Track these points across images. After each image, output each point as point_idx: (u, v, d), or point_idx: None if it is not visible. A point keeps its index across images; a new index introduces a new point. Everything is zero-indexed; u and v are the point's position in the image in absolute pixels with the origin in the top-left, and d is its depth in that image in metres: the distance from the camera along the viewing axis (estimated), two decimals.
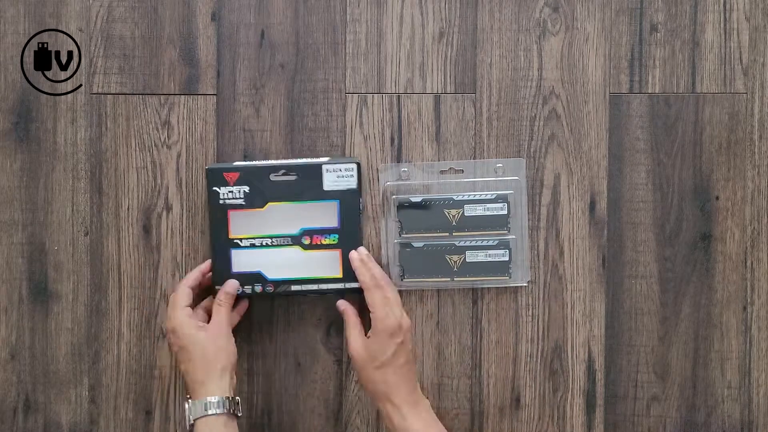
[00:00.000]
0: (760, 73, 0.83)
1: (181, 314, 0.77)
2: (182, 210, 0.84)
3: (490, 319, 0.84)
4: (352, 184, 0.80)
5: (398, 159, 0.84)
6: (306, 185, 0.80)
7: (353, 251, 0.80)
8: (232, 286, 0.80)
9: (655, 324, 0.83)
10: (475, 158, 0.84)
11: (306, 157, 0.84)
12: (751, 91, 0.83)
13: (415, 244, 0.82)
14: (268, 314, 0.84)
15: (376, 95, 0.84)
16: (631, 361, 0.83)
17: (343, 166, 0.80)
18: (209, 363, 0.75)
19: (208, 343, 0.76)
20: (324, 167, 0.80)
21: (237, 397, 0.76)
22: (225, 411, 0.74)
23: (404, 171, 0.82)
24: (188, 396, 0.76)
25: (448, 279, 0.82)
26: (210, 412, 0.73)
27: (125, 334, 0.85)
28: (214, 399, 0.74)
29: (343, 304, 0.80)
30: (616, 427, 0.83)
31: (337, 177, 0.80)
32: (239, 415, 0.76)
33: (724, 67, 0.83)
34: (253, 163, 0.82)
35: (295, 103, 0.84)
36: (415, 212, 0.82)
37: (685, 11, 0.83)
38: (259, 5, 0.84)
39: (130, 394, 0.85)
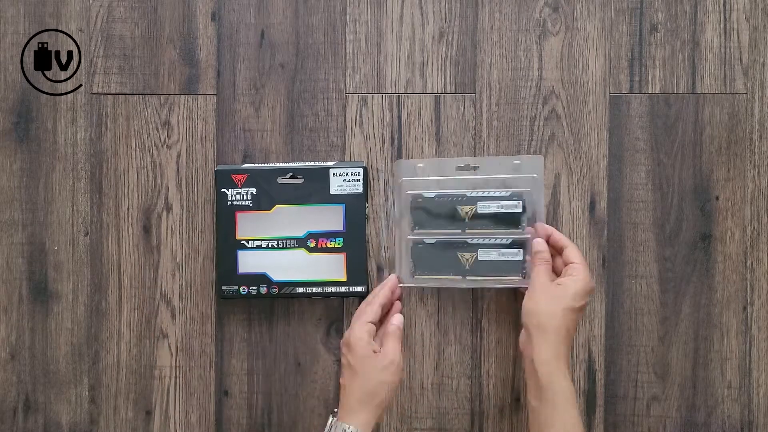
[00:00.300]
0: (760, 73, 0.83)
1: (361, 330, 0.75)
2: (182, 210, 0.85)
3: (490, 319, 0.84)
4: (359, 188, 0.81)
5: (398, 159, 0.84)
6: (313, 188, 0.81)
7: (539, 224, 0.78)
8: (401, 320, 0.78)
9: (655, 324, 0.83)
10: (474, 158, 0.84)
11: (306, 157, 0.84)
12: (751, 91, 0.83)
13: (428, 241, 0.81)
14: (268, 314, 0.84)
15: (376, 95, 0.84)
16: (631, 361, 0.83)
17: (349, 170, 0.81)
18: (367, 394, 0.72)
19: (375, 373, 0.73)
20: (331, 171, 0.81)
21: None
22: None
23: (420, 167, 0.81)
24: (336, 410, 0.74)
25: (460, 277, 0.80)
26: None
27: (125, 334, 0.85)
28: (352, 429, 0.71)
29: (542, 245, 0.77)
30: (616, 427, 0.83)
31: (344, 181, 0.81)
32: None
33: (724, 67, 0.83)
34: (261, 165, 0.82)
35: (295, 103, 0.85)
36: (428, 208, 0.80)
37: (685, 11, 0.83)
38: (259, 5, 0.84)
39: (130, 394, 0.85)
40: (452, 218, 0.80)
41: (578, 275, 0.74)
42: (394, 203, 0.82)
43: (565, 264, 0.76)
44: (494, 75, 0.84)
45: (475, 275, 0.80)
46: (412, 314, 0.84)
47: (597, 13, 0.84)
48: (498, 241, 0.79)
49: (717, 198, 0.83)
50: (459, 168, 0.81)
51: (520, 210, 0.78)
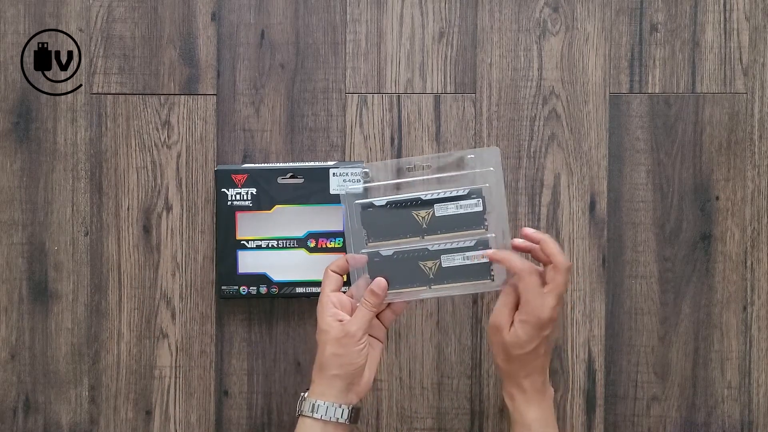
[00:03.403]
0: (760, 73, 0.83)
1: (320, 302, 0.72)
2: (182, 210, 0.85)
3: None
4: (359, 188, 0.80)
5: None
6: (313, 188, 0.81)
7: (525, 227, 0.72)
8: (380, 286, 0.72)
9: (655, 324, 0.83)
10: None
11: (306, 157, 0.84)
12: (751, 91, 0.83)
13: (384, 253, 0.73)
14: (268, 314, 0.84)
15: (376, 95, 0.84)
16: (631, 361, 0.83)
17: (349, 170, 0.81)
18: (321, 365, 0.71)
19: (328, 343, 0.70)
20: (331, 171, 0.81)
21: (351, 406, 0.71)
22: (329, 419, 0.69)
23: (365, 171, 0.75)
24: (308, 388, 0.72)
25: (425, 287, 0.73)
26: (311, 414, 0.70)
27: (125, 334, 0.85)
28: (320, 403, 0.70)
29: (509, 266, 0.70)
30: (616, 427, 0.83)
31: (344, 181, 0.80)
32: (348, 423, 0.70)
33: (724, 67, 0.83)
34: (261, 165, 0.82)
35: (295, 103, 0.85)
36: (381, 217, 0.73)
37: (685, 11, 0.83)
38: (259, 5, 0.84)
39: (130, 394, 0.85)
40: (409, 225, 0.73)
41: (528, 315, 0.69)
42: (345, 215, 0.75)
43: (546, 264, 0.71)
44: (494, 75, 0.84)
45: (441, 283, 0.73)
46: (412, 314, 0.84)
47: (597, 13, 0.84)
48: (461, 245, 0.73)
49: (717, 198, 0.83)
50: (409, 169, 0.74)
51: (480, 209, 0.72)
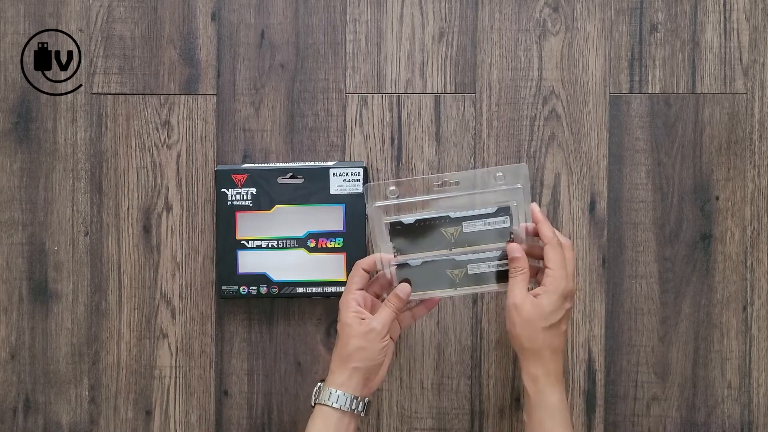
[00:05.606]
0: (760, 73, 0.83)
1: (346, 297, 0.74)
2: (182, 210, 0.85)
3: (490, 319, 0.84)
4: (359, 188, 0.80)
5: (398, 159, 0.84)
6: (313, 188, 0.81)
7: (534, 204, 0.74)
8: (404, 291, 0.74)
9: (655, 324, 0.83)
10: (475, 158, 0.84)
11: (306, 157, 0.84)
12: (751, 91, 0.83)
13: (413, 263, 0.75)
14: (268, 314, 0.84)
15: (376, 95, 0.84)
16: (631, 361, 0.83)
17: (349, 170, 0.81)
18: (344, 357, 0.73)
19: (353, 337, 0.72)
20: (331, 171, 0.81)
21: (366, 399, 0.73)
22: (346, 409, 0.72)
23: (392, 190, 0.74)
24: (322, 379, 0.74)
25: (452, 289, 0.75)
26: (329, 403, 0.72)
27: (125, 334, 0.85)
28: (340, 393, 0.72)
29: (517, 251, 0.73)
30: (616, 427, 0.83)
31: (344, 181, 0.81)
32: (362, 415, 0.73)
33: (724, 67, 0.83)
34: (261, 165, 0.82)
35: (295, 103, 0.85)
36: (410, 235, 0.74)
37: (685, 11, 0.83)
38: (259, 5, 0.84)
39: (130, 394, 0.85)
40: (437, 241, 0.74)
41: (551, 285, 0.71)
42: (372, 230, 0.75)
43: (544, 266, 0.73)
44: (494, 75, 0.84)
45: (466, 286, 0.75)
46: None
47: (597, 13, 0.84)
48: (486, 255, 0.74)
49: (717, 198, 0.83)
50: (438, 186, 0.75)
51: (507, 225, 0.74)
